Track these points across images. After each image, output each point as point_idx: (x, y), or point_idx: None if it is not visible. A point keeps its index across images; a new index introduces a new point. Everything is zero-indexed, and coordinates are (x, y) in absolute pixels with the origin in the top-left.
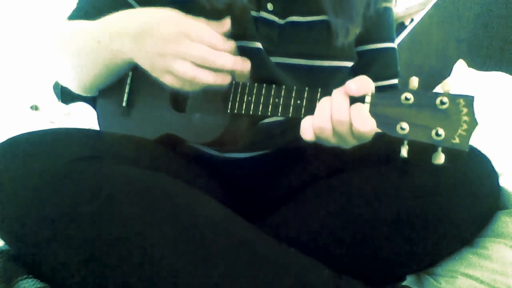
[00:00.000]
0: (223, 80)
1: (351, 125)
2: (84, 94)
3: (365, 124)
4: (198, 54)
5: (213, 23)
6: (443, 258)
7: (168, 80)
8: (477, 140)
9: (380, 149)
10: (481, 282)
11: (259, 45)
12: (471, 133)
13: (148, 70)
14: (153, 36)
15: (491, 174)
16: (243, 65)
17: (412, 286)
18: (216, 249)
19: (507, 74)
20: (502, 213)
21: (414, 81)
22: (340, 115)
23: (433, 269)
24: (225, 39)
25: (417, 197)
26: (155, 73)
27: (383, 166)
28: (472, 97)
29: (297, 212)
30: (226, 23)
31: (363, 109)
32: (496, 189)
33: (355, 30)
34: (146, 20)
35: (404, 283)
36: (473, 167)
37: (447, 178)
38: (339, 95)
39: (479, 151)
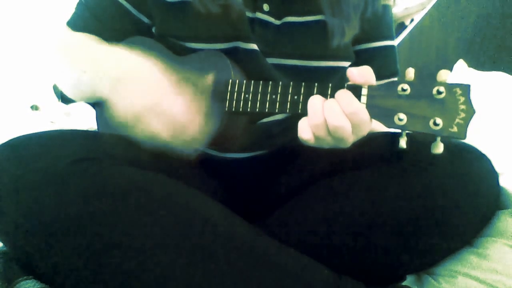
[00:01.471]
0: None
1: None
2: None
3: (357, 113)
4: (167, 132)
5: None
6: (443, 258)
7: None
8: (477, 140)
9: (379, 150)
10: (481, 282)
11: (254, 46)
12: (468, 121)
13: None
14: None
15: (491, 174)
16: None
17: (412, 286)
18: (215, 250)
19: (507, 74)
20: (502, 213)
21: (410, 72)
22: (332, 108)
23: (433, 269)
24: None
25: (417, 197)
26: None
27: (383, 166)
28: (468, 86)
29: (297, 212)
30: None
31: (352, 98)
32: (496, 189)
33: (353, 31)
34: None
35: (404, 283)
36: (473, 167)
37: (447, 178)
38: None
39: (479, 151)
